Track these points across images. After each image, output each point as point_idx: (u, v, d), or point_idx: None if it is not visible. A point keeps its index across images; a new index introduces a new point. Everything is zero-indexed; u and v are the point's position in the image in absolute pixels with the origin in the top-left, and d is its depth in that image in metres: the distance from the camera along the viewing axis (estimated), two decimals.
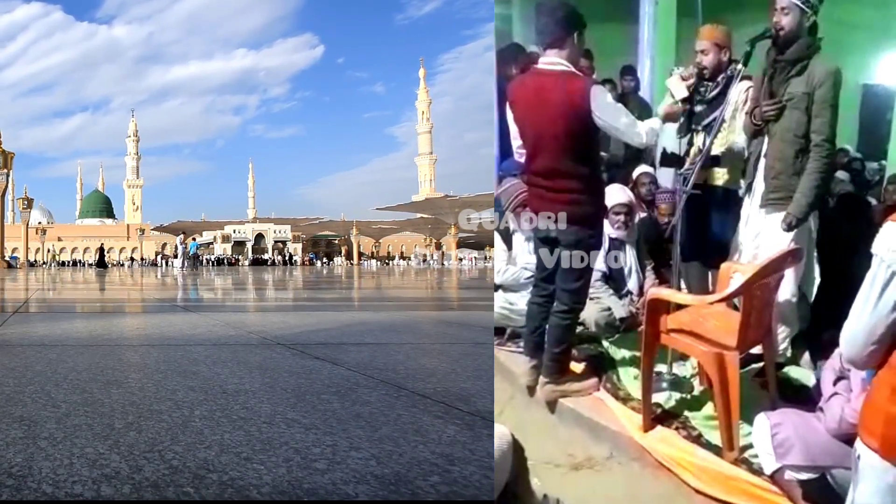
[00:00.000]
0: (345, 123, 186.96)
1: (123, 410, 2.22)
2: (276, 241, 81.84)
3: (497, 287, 4.29)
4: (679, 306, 3.14)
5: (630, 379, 3.39)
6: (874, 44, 4.71)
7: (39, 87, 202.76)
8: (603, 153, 4.91)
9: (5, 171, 41.02)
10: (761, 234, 3.30)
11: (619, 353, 3.66)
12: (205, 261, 42.58)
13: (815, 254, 3.34)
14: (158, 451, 1.76)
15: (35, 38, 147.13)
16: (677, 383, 3.26)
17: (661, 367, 3.28)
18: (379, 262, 65.84)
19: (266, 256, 73.24)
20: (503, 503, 1.80)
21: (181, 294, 11.04)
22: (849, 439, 2.00)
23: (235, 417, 2.11)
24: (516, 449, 1.94)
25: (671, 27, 5.44)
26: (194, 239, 47.58)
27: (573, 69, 3.27)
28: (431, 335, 4.76)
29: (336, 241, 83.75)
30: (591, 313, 4.00)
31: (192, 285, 14.97)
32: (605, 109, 3.17)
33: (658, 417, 3.09)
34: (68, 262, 70.64)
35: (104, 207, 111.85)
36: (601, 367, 3.57)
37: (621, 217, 3.98)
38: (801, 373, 3.29)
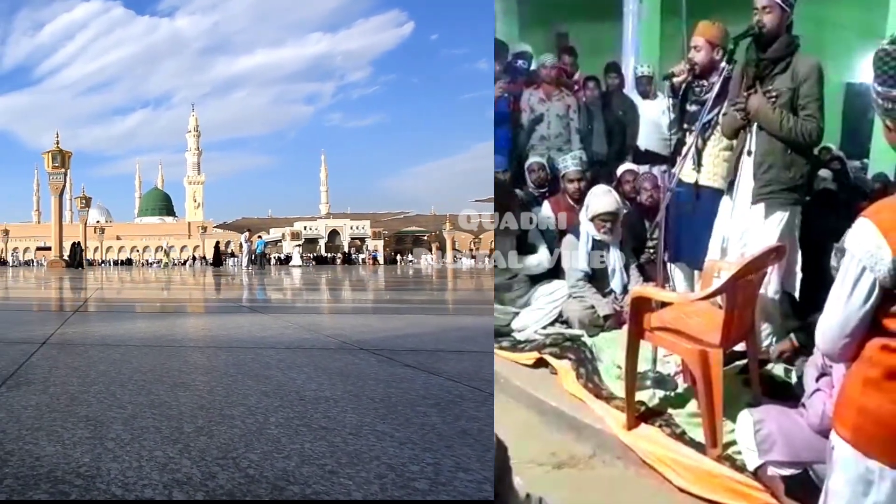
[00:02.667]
0: (438, 107, 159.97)
1: (192, 414, 2.10)
2: (352, 238, 74.05)
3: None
4: (663, 304, 3.14)
5: (613, 378, 3.38)
6: (857, 43, 4.74)
7: (99, 84, 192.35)
8: (586, 150, 4.93)
9: (63, 170, 40.21)
10: (749, 230, 3.30)
11: (603, 352, 3.64)
12: (272, 259, 40.32)
13: (799, 251, 3.35)
14: (232, 458, 1.66)
15: (94, 35, 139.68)
16: (661, 381, 3.25)
17: (644, 365, 3.27)
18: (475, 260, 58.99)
19: (328, 255, 65.92)
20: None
21: (248, 294, 10.44)
22: None
23: (316, 426, 1.96)
24: (499, 448, 1.91)
25: (655, 24, 5.46)
26: (260, 237, 45.11)
27: None
28: None
29: (425, 238, 74.00)
30: (574, 311, 4.00)
31: (260, 285, 14.14)
32: None
33: (642, 415, 3.08)
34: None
35: (164, 205, 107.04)
36: (584, 365, 3.56)
37: (608, 224, 3.98)
38: (784, 369, 3.30)
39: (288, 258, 56.79)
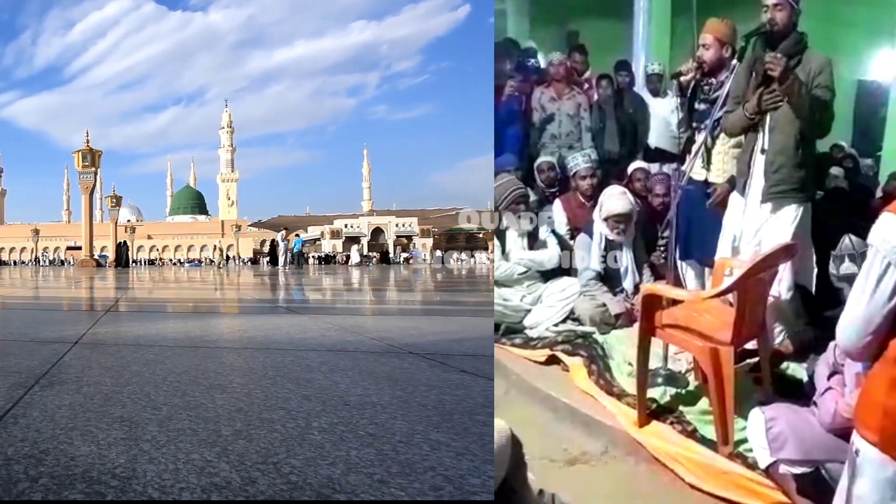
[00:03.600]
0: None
1: (230, 417, 2.02)
2: (398, 236, 70.38)
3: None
4: (674, 302, 3.15)
5: (624, 375, 3.40)
6: (868, 41, 4.75)
7: (130, 82, 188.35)
8: (598, 149, 4.95)
9: (93, 169, 40.17)
10: (763, 228, 3.31)
11: (614, 349, 3.66)
12: (310, 258, 39.21)
13: (813, 248, 3.36)
14: (273, 463, 1.59)
15: (126, 32, 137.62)
16: (672, 378, 3.27)
17: (656, 363, 3.29)
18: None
19: (371, 254, 60.33)
20: (501, 498, 1.80)
21: (285, 294, 9.98)
22: (843, 433, 2.00)
23: (362, 433, 1.85)
24: (514, 444, 1.93)
25: (666, 23, 5.46)
26: (298, 235, 42.84)
27: None
28: None
29: (480, 235, 66.34)
30: (586, 309, 4.02)
31: (298, 285, 13.29)
32: None
33: (653, 412, 3.10)
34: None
35: (196, 203, 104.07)
36: (596, 362, 3.58)
37: (621, 225, 4.01)
38: (796, 368, 3.31)
39: (328, 257, 54.77)
